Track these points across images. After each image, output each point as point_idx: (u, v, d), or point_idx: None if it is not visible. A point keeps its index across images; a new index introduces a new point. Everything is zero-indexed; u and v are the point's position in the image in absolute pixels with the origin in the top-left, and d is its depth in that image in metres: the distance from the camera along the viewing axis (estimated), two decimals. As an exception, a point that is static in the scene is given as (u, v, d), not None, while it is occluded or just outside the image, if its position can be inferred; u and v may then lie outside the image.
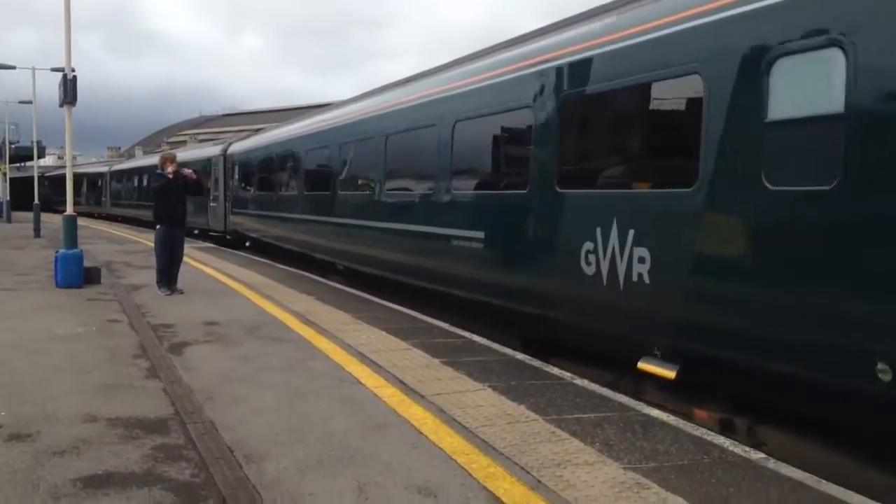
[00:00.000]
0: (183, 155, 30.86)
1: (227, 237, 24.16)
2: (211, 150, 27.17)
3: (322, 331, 8.46)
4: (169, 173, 11.66)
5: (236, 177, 22.96)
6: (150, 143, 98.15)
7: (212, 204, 25.35)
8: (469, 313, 9.25)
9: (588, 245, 6.63)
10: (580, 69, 7.05)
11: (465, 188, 9.29)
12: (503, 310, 8.33)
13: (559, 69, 7.30)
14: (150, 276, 12.15)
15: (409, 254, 10.68)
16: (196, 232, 26.96)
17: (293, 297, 11.14)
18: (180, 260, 11.93)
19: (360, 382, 6.25)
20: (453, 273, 9.23)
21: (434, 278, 9.87)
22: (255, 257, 18.77)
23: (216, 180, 24.90)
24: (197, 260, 16.74)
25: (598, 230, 6.51)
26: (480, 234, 8.55)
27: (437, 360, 7.01)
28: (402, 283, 11.15)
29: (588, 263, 6.65)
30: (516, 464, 4.40)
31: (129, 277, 13.75)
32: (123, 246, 21.95)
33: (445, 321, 9.19)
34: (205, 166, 25.93)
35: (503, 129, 8.64)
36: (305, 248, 16.00)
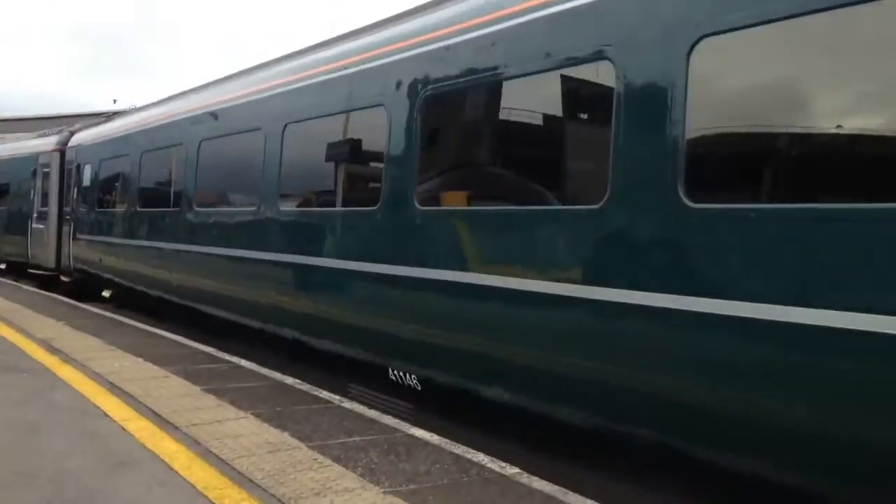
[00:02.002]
0: None
1: (64, 279, 15.19)
2: (36, 145, 17.65)
3: (68, 359, 7.68)
4: None
5: (86, 184, 14.41)
6: None
7: (36, 225, 16.57)
8: None
9: None
10: None
11: None
12: None
13: None
14: None
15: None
16: (3, 267, 18.59)
17: (39, 323, 10.06)
18: None
19: (106, 415, 5.70)
20: None
21: None
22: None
23: (45, 193, 16.30)
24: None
25: None
26: None
27: (197, 388, 6.60)
28: None
29: None
30: (273, 495, 4.20)
31: None
32: None
33: (212, 346, 8.73)
34: (24, 168, 17.41)
35: None
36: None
